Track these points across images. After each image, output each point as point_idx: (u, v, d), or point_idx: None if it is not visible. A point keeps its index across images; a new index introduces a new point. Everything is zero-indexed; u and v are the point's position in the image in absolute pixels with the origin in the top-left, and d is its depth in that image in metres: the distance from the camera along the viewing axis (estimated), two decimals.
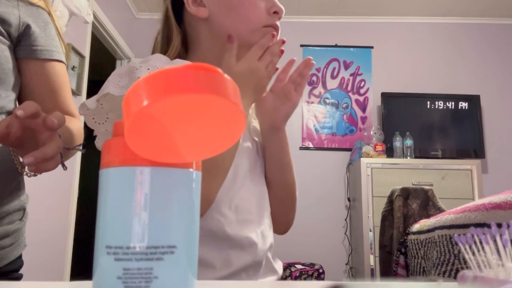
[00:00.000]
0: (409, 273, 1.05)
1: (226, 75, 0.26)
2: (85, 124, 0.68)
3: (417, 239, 1.01)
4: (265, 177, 0.77)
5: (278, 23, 0.72)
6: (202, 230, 0.64)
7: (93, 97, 0.61)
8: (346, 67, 3.68)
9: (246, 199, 0.69)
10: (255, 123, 0.78)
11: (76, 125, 0.77)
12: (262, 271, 0.70)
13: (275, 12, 0.71)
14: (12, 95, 0.74)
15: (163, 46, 0.75)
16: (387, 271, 1.21)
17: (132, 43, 3.56)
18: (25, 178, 0.78)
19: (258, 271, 0.69)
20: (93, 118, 0.64)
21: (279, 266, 0.76)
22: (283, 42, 0.70)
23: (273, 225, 0.77)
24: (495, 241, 0.33)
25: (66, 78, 0.82)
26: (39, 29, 0.76)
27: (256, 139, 0.76)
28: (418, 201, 1.17)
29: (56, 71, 0.79)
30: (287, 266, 2.86)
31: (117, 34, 3.22)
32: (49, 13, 0.81)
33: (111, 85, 0.59)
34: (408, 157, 3.16)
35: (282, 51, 0.71)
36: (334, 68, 3.67)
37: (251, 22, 0.70)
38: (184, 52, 0.76)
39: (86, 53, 2.65)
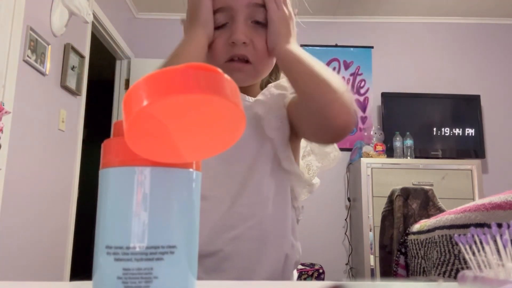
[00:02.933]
0: (409, 273, 1.05)
1: (226, 75, 0.26)
2: None
3: (417, 239, 1.01)
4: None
5: (245, 50, 0.68)
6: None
7: None
8: (346, 67, 3.68)
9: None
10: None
11: None
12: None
13: (232, 43, 0.68)
14: None
15: None
16: (387, 271, 1.21)
17: (132, 43, 3.56)
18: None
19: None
20: None
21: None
22: None
23: (326, 131, 0.65)
24: (495, 241, 0.33)
25: None
26: None
27: (271, 136, 0.70)
28: (418, 201, 1.17)
29: None
30: None
31: (117, 34, 3.22)
32: None
33: None
34: (408, 157, 3.16)
35: None
36: (334, 68, 3.67)
37: (213, 61, 0.70)
38: None
39: (86, 53, 2.65)
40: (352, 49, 3.69)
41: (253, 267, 0.66)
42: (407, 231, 1.10)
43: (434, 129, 3.44)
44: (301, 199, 0.77)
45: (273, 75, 0.84)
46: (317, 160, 0.83)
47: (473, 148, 3.40)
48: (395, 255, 1.11)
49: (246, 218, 0.67)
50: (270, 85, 0.76)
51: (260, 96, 0.73)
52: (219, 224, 0.66)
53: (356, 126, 3.58)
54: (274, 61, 0.75)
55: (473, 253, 0.34)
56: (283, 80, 0.77)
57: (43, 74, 2.17)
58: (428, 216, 1.14)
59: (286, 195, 0.72)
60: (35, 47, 2.07)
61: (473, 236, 0.34)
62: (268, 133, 0.70)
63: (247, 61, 0.69)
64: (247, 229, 0.67)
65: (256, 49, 0.69)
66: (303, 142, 0.78)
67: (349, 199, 3.38)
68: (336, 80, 0.65)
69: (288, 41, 0.68)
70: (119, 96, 3.46)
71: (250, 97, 0.76)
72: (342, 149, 3.49)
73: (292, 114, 0.72)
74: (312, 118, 0.66)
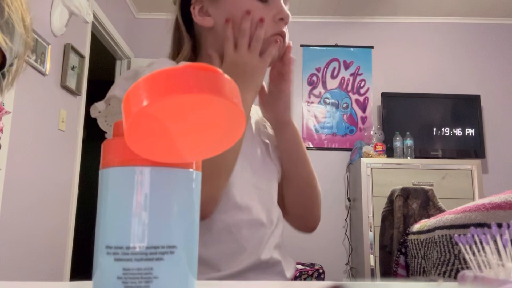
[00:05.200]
0: (409, 273, 1.05)
1: (226, 75, 0.26)
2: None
3: (417, 239, 1.01)
4: (282, 172, 0.77)
5: (285, 29, 0.72)
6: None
7: (103, 100, 0.64)
8: (346, 67, 3.68)
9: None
10: (267, 125, 0.79)
11: None
12: (268, 271, 0.70)
13: (280, 19, 0.69)
14: None
15: (174, 50, 0.79)
16: (387, 271, 1.21)
17: (132, 43, 3.56)
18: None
19: (264, 271, 0.69)
20: (106, 120, 0.65)
21: (289, 267, 0.76)
22: (289, 48, 0.72)
23: (299, 223, 0.79)
24: (495, 241, 0.33)
25: None
26: None
27: (267, 141, 0.77)
28: (418, 201, 1.17)
29: None
30: None
31: (117, 34, 3.22)
32: None
33: (117, 88, 0.61)
34: (408, 157, 3.15)
35: (288, 47, 0.73)
36: (334, 68, 3.67)
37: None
38: (194, 57, 0.77)
39: (86, 53, 2.65)
40: (352, 49, 3.69)
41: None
42: (407, 231, 1.10)
43: (434, 129, 3.44)
44: None
45: None
46: None
47: (473, 148, 3.40)
48: (395, 255, 1.11)
49: (276, 228, 0.73)
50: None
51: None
52: (262, 235, 0.69)
53: (356, 126, 3.58)
54: None
55: (473, 253, 0.34)
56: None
57: (43, 74, 2.17)
58: (428, 216, 1.14)
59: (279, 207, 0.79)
60: (35, 47, 2.07)
61: (473, 236, 0.34)
62: (263, 138, 0.77)
63: None
64: (277, 238, 0.72)
65: (286, 29, 0.73)
66: None
67: (349, 199, 3.38)
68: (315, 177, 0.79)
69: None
70: None
71: None
72: (342, 149, 3.50)
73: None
74: (290, 207, 0.78)
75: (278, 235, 0.72)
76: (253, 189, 0.71)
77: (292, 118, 0.75)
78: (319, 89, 3.65)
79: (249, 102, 0.66)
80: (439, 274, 0.82)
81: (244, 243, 0.66)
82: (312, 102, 3.62)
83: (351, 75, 3.66)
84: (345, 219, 3.37)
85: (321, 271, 2.92)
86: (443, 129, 3.44)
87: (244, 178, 0.69)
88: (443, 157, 3.30)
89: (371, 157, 3.11)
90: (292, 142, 0.74)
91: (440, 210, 1.14)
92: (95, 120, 0.67)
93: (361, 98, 3.63)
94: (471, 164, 3.00)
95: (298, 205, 0.77)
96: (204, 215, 0.60)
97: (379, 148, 3.18)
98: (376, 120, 3.57)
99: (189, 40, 0.75)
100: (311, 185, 0.77)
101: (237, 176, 0.67)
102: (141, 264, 0.28)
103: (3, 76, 0.75)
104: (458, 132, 3.43)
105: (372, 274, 2.82)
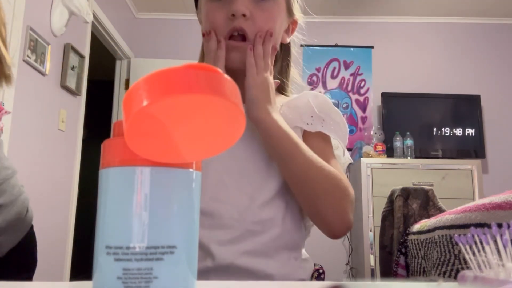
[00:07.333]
0: (409, 273, 1.05)
1: (226, 75, 0.26)
2: None
3: (417, 239, 1.01)
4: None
5: (245, 24, 0.66)
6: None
7: None
8: (346, 67, 3.68)
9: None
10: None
11: None
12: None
13: (232, 15, 0.65)
14: None
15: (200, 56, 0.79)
16: (387, 271, 1.21)
17: (132, 43, 3.56)
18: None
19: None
20: None
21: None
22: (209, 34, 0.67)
23: (318, 226, 0.67)
24: (495, 241, 0.33)
25: None
26: None
27: None
28: (418, 201, 1.17)
29: None
30: None
31: (117, 34, 3.22)
32: None
33: None
34: (408, 157, 3.15)
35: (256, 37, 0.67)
36: (334, 68, 3.67)
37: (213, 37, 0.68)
38: None
39: (86, 53, 2.65)
40: (352, 49, 3.69)
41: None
42: (407, 231, 1.10)
43: (434, 129, 3.44)
44: None
45: (277, 64, 0.81)
46: None
47: (473, 148, 3.40)
48: (395, 255, 1.11)
49: (256, 234, 0.64)
50: (282, 104, 0.72)
51: None
52: (229, 238, 0.63)
53: (356, 126, 3.58)
54: (278, 40, 0.73)
55: (473, 253, 0.34)
56: (297, 99, 0.74)
57: (43, 74, 2.17)
58: (428, 216, 1.14)
59: (296, 214, 0.70)
60: (35, 47, 2.07)
61: (473, 236, 0.34)
62: None
63: (245, 39, 0.67)
64: (258, 245, 0.64)
65: (255, 24, 0.66)
66: None
67: None
68: (329, 170, 0.64)
69: (268, 110, 0.64)
70: (119, 96, 3.46)
71: None
72: None
73: None
74: (306, 211, 0.68)
75: (259, 241, 0.64)
76: (229, 191, 0.66)
77: (266, 114, 0.64)
78: (319, 89, 3.65)
79: None
80: (439, 274, 0.82)
81: (202, 246, 0.61)
82: None
83: (351, 75, 3.66)
84: None
85: (321, 271, 2.92)
86: (443, 129, 3.44)
87: (220, 180, 0.66)
88: (443, 157, 3.30)
89: (371, 157, 3.11)
90: (267, 141, 0.65)
91: (440, 210, 1.14)
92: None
93: (361, 98, 3.62)
94: (471, 164, 3.00)
95: (305, 207, 0.67)
96: None
97: (379, 148, 3.18)
98: (376, 120, 3.57)
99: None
100: (317, 191, 0.63)
101: (212, 178, 0.64)
102: (141, 264, 0.28)
103: None
104: (458, 132, 3.43)
105: (372, 274, 2.82)
